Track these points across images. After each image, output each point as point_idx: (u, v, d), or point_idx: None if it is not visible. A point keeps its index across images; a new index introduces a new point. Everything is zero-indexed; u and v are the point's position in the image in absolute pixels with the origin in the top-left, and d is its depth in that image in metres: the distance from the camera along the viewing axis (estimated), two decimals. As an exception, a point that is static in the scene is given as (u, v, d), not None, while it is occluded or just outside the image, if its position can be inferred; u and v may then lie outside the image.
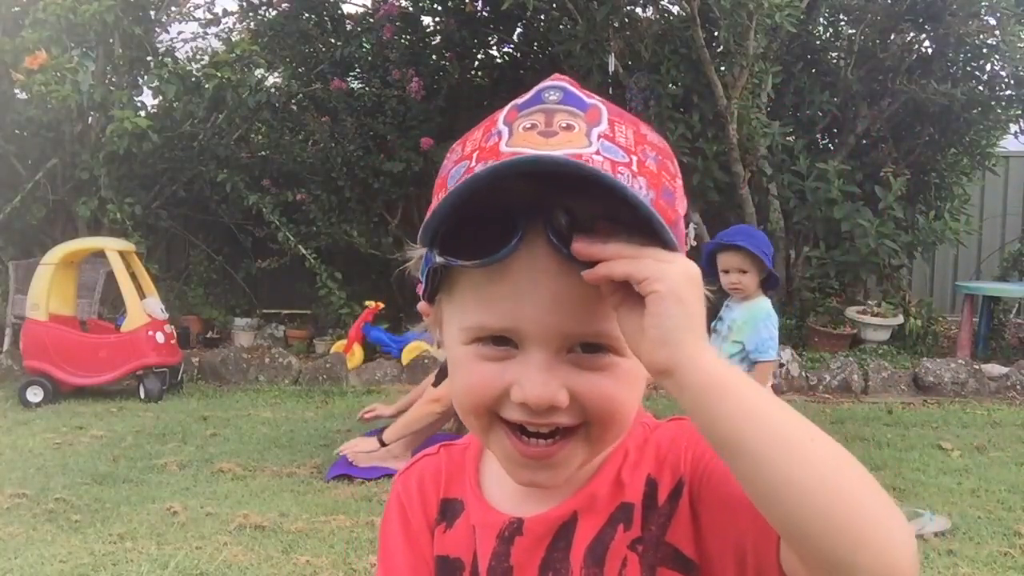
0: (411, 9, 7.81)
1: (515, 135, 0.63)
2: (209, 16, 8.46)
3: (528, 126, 0.63)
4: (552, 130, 0.63)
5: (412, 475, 0.83)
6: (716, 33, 6.21)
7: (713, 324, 3.29)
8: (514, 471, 0.68)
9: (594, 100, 0.66)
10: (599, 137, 0.63)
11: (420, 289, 0.71)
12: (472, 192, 0.59)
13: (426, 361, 6.28)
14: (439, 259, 0.63)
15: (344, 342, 6.65)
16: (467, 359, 0.66)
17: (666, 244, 0.60)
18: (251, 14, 8.40)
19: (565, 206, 0.60)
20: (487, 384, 0.65)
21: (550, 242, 0.61)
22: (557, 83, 0.67)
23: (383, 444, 3.92)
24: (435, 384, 4.09)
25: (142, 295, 5.77)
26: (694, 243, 5.37)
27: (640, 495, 0.71)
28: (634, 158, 0.63)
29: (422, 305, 0.73)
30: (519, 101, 0.66)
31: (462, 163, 0.65)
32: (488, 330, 0.65)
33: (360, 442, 4.05)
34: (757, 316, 3.25)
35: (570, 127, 0.63)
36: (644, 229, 0.60)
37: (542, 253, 0.61)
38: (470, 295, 0.65)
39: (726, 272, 3.21)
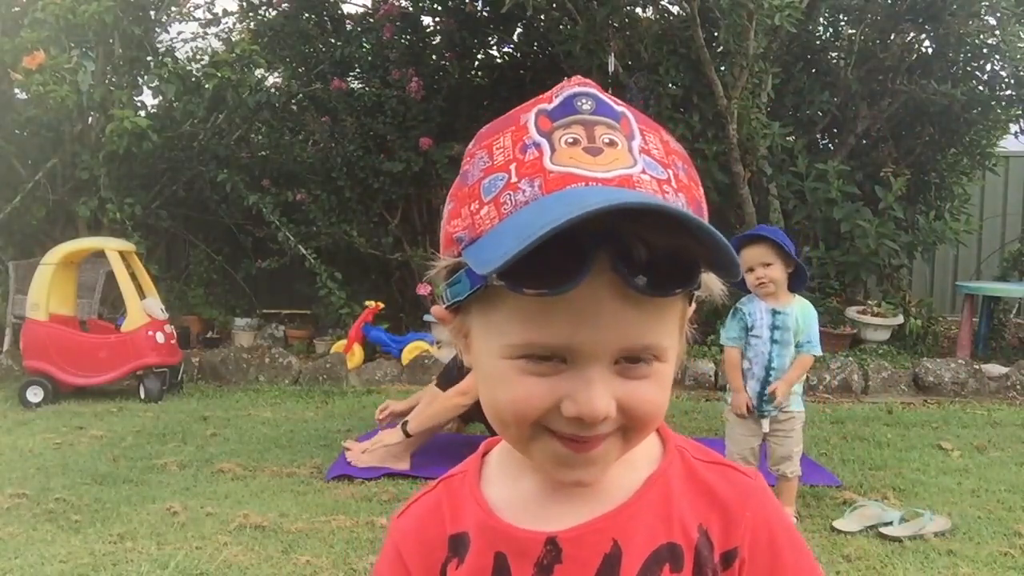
0: (411, 9, 7.82)
1: (559, 151, 0.62)
2: (209, 16, 8.49)
3: (570, 140, 0.63)
4: (596, 147, 0.63)
5: (409, 518, 0.79)
6: (716, 33, 6.21)
7: (768, 334, 3.21)
8: (559, 472, 0.68)
9: (621, 107, 0.66)
10: (640, 152, 0.63)
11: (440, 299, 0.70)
12: (552, 231, 0.56)
13: (426, 361, 6.28)
14: (497, 283, 0.60)
15: (344, 342, 6.65)
16: (511, 373, 0.65)
17: (731, 273, 0.61)
18: (251, 14, 8.42)
19: (642, 239, 0.60)
20: (536, 399, 0.64)
21: (616, 270, 0.60)
22: (586, 89, 0.66)
23: (407, 435, 3.93)
24: (439, 386, 4.08)
25: (142, 295, 5.77)
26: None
27: (692, 541, 0.70)
28: (670, 172, 0.64)
29: (439, 311, 0.71)
30: (548, 107, 0.65)
31: (497, 175, 0.63)
32: (539, 347, 0.63)
33: (385, 434, 4.06)
34: (812, 315, 3.28)
35: (613, 143, 0.63)
36: (707, 258, 0.61)
37: (606, 279, 0.60)
38: (517, 313, 0.63)
39: (750, 270, 3.14)
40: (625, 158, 0.63)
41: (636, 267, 0.60)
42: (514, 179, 0.62)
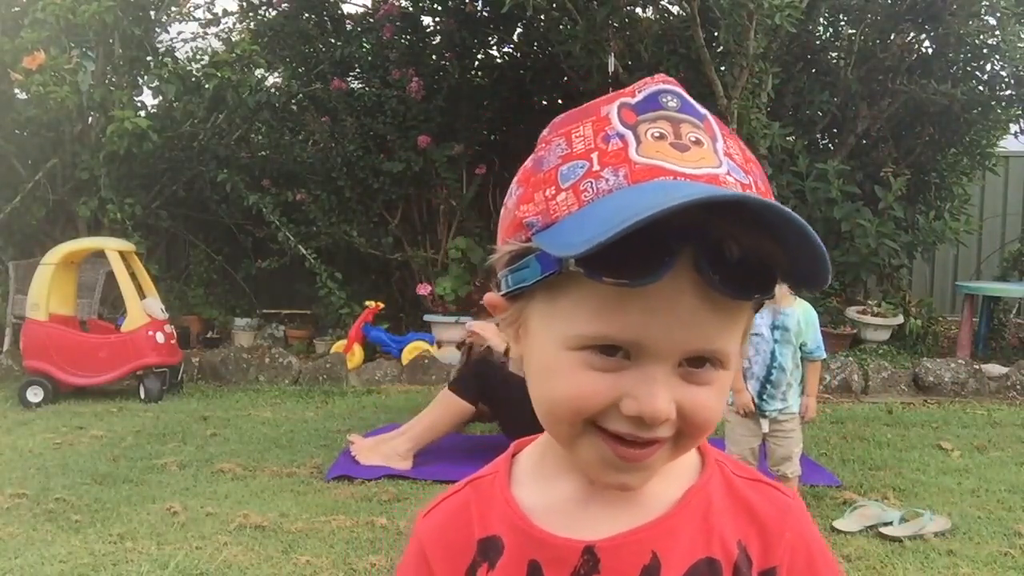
0: (411, 9, 7.82)
1: (645, 143, 0.61)
2: (209, 16, 8.48)
3: (657, 134, 0.62)
4: (683, 143, 0.61)
5: (435, 518, 0.77)
6: (716, 33, 6.21)
7: (770, 334, 3.20)
8: (604, 474, 0.66)
9: (703, 110, 0.65)
10: (724, 154, 0.63)
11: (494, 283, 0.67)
12: (648, 220, 0.54)
13: (426, 361, 6.28)
14: (575, 269, 0.58)
15: (344, 342, 6.65)
16: (572, 366, 0.63)
17: (817, 281, 0.60)
18: (251, 14, 8.42)
19: (735, 237, 0.59)
20: (597, 395, 0.62)
21: (699, 268, 0.59)
22: (670, 87, 0.65)
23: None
24: (452, 390, 4.05)
25: (142, 295, 5.77)
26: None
27: (731, 557, 0.69)
28: (751, 178, 0.63)
29: (493, 298, 0.68)
30: (631, 101, 0.64)
31: (576, 162, 0.62)
32: (607, 340, 0.61)
33: (484, 327, 4.13)
34: (813, 317, 3.30)
35: (699, 142, 0.62)
36: (791, 265, 0.60)
37: (686, 277, 0.59)
38: (588, 303, 0.61)
39: None
40: (711, 158, 0.62)
41: (719, 267, 0.59)
42: (596, 167, 0.61)
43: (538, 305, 0.65)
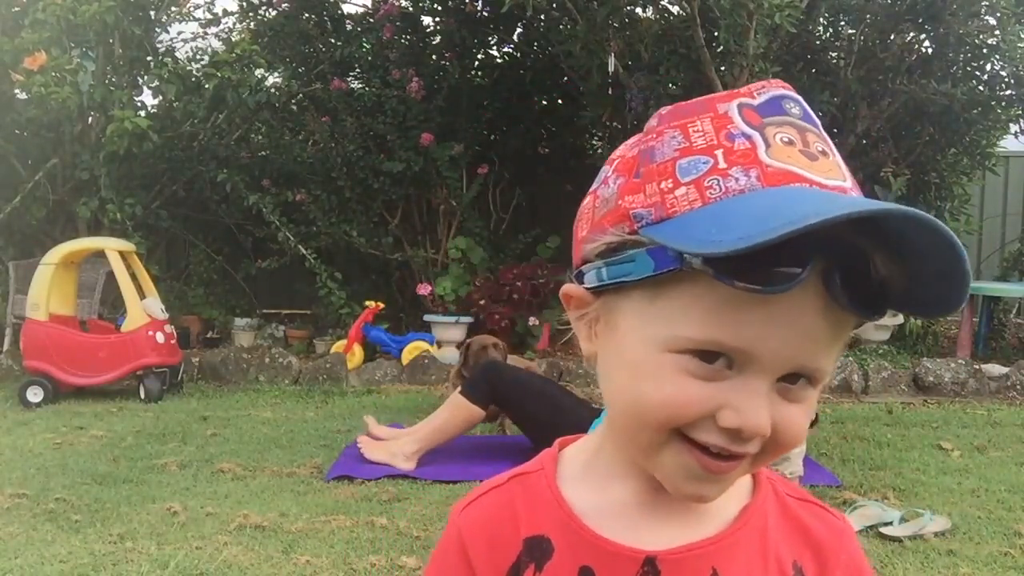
0: (411, 9, 7.83)
1: (774, 147, 0.59)
2: (209, 16, 8.49)
3: (786, 140, 0.60)
4: (811, 152, 0.60)
5: (477, 511, 0.73)
6: (716, 33, 6.21)
7: None
8: (684, 484, 0.63)
9: (816, 119, 0.64)
10: (845, 170, 0.61)
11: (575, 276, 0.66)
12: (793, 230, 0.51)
13: (426, 361, 6.28)
14: (701, 268, 0.55)
15: (344, 342, 6.65)
16: (669, 370, 0.59)
17: (945, 308, 0.60)
18: (251, 14, 8.43)
19: (879, 256, 0.57)
20: (694, 403, 0.59)
21: (826, 282, 0.57)
22: (792, 94, 0.63)
23: None
24: (464, 394, 4.04)
25: (142, 295, 5.77)
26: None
27: None
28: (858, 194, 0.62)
29: (574, 289, 0.66)
30: (753, 102, 0.62)
31: (698, 157, 0.59)
32: (717, 346, 0.58)
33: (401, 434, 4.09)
34: None
35: (825, 153, 0.61)
36: (911, 290, 0.59)
37: (813, 287, 0.57)
38: (700, 305, 0.58)
39: None
40: (837, 171, 0.60)
41: (849, 282, 0.57)
42: (723, 165, 0.58)
43: (634, 303, 0.62)
